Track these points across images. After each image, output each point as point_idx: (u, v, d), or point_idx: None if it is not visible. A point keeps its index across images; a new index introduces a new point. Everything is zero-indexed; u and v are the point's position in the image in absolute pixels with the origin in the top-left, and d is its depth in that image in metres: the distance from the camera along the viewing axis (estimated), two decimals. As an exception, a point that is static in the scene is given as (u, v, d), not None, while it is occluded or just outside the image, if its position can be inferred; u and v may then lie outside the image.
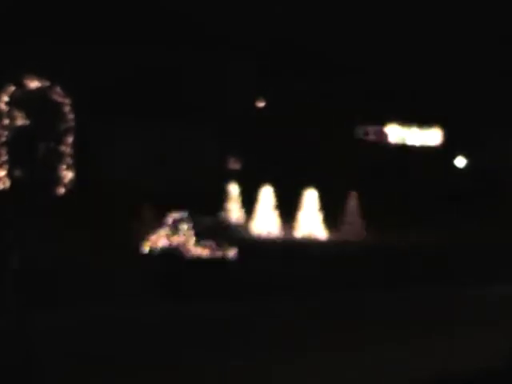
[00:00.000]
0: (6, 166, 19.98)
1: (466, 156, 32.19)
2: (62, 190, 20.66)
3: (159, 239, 19.83)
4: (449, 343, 9.09)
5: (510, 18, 22.70)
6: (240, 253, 18.03)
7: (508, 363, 7.15)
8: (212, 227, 20.91)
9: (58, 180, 20.67)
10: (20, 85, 20.02)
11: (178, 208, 18.54)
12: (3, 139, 19.92)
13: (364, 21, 21.69)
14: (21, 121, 20.13)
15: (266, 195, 20.03)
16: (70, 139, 20.82)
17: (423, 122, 31.56)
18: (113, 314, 9.64)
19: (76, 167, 20.59)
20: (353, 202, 22.01)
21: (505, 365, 7.07)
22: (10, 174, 20.00)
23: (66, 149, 20.82)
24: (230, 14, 20.10)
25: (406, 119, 30.62)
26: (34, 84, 20.11)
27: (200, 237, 20.24)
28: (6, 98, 19.90)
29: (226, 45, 20.51)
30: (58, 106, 20.57)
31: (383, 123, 31.98)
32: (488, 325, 9.98)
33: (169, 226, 20.75)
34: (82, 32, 18.31)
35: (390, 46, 22.27)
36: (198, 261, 19.13)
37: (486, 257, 16.06)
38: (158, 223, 20.33)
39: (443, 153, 31.82)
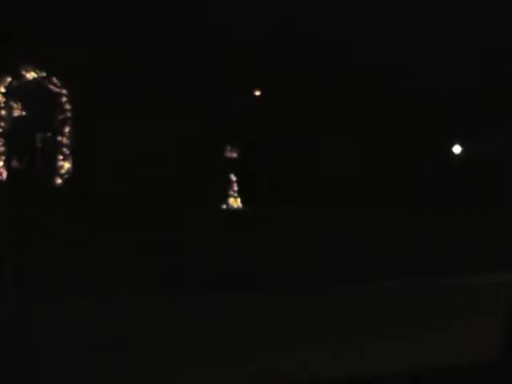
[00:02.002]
0: (3, 157, 20.05)
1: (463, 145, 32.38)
2: (58, 181, 20.76)
3: None
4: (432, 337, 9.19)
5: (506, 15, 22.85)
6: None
7: (498, 355, 7.24)
8: None
9: (55, 170, 20.77)
10: (17, 76, 20.04)
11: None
12: (0, 130, 19.97)
13: (364, 20, 21.66)
14: (18, 111, 20.17)
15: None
16: (67, 129, 20.89)
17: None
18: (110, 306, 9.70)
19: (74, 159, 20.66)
20: None
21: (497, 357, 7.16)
22: (7, 165, 20.06)
23: (63, 139, 20.89)
24: (229, 13, 20.09)
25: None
26: (30, 75, 20.13)
27: None
28: (2, 89, 19.93)
29: (225, 43, 20.53)
30: (55, 96, 20.62)
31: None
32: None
33: None
34: (80, 30, 18.31)
35: (391, 44, 22.26)
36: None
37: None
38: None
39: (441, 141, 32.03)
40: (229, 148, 24.31)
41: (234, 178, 22.02)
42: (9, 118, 20.10)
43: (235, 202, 21.83)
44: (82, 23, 18.75)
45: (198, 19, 20.28)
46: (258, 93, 24.95)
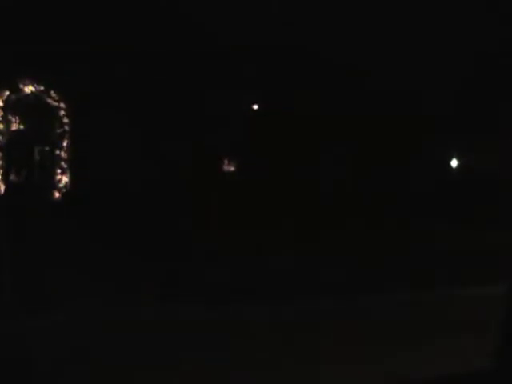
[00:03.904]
0: (1, 171, 20.05)
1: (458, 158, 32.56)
2: (56, 195, 20.76)
3: None
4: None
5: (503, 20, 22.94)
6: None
7: (494, 364, 7.18)
8: None
9: (53, 184, 20.77)
10: (15, 89, 20.08)
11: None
12: (-2, 144, 20.00)
13: (361, 22, 21.73)
14: (16, 125, 20.20)
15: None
16: (65, 143, 20.91)
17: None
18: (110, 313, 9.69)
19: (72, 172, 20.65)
20: None
21: (491, 366, 7.10)
22: (5, 179, 20.06)
23: (61, 153, 20.91)
24: (227, 15, 20.18)
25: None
26: (28, 89, 20.17)
27: None
28: (0, 103, 19.96)
29: (224, 46, 20.60)
30: (53, 110, 20.66)
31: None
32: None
33: None
34: (78, 42, 18.34)
35: (386, 48, 22.32)
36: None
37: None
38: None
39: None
40: (226, 162, 24.35)
41: None
42: (7, 131, 20.11)
43: None
44: (79, 35, 18.82)
45: (198, 28, 20.36)
46: (255, 106, 25.03)
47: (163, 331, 9.20)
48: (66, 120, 20.80)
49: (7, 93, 19.98)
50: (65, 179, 20.92)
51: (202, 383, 7.43)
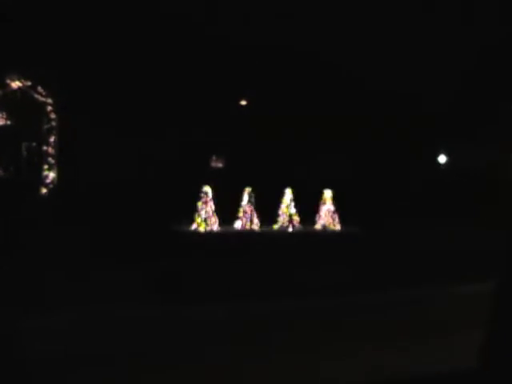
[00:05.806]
0: (-12, 166, 19.95)
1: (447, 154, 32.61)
2: (43, 190, 20.66)
3: None
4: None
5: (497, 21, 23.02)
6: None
7: (477, 364, 7.19)
8: None
9: (40, 180, 20.67)
10: (2, 85, 19.94)
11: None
12: (-15, 139, 19.88)
13: (355, 23, 21.74)
14: (3, 121, 20.07)
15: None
16: (53, 139, 20.80)
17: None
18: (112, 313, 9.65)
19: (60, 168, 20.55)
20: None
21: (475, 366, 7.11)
22: (-8, 174, 19.95)
23: (49, 148, 20.80)
24: (224, 15, 20.15)
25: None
26: (15, 84, 20.05)
27: None
28: (-13, 99, 19.83)
29: (220, 46, 20.56)
30: (40, 105, 20.54)
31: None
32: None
33: None
34: (63, 31, 18.20)
35: (380, 47, 22.32)
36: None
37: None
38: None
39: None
40: (214, 158, 24.32)
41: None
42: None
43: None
44: (67, 31, 18.72)
45: (193, 27, 20.32)
46: (244, 102, 25.01)
47: (163, 330, 9.17)
48: (53, 116, 20.69)
49: (-6, 88, 19.87)
50: (52, 175, 20.81)
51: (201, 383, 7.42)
